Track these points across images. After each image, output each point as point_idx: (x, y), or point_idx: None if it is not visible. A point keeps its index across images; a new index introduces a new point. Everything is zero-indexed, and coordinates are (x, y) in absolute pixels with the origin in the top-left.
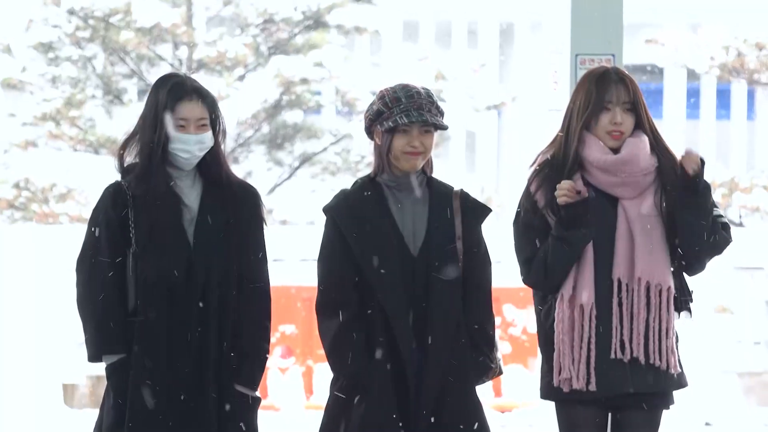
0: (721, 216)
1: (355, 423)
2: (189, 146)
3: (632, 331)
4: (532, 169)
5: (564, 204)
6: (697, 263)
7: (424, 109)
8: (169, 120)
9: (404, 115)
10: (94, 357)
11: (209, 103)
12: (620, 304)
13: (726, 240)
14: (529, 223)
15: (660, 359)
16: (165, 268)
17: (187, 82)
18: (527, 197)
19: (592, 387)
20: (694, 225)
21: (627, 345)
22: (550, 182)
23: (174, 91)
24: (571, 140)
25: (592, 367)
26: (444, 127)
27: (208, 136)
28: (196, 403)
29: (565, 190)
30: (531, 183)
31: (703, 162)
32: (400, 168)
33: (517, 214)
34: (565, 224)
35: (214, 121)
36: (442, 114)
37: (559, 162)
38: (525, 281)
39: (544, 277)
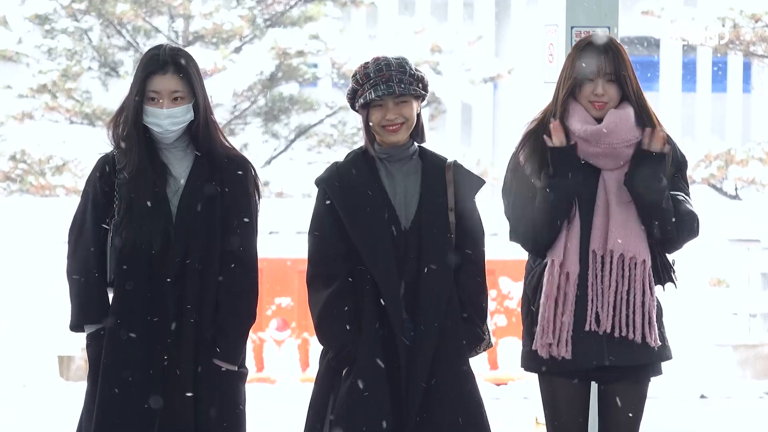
0: (688, 204)
1: (343, 394)
2: (160, 120)
3: (605, 303)
4: (520, 138)
5: (553, 147)
6: (663, 235)
7: (394, 80)
8: (140, 93)
9: (372, 90)
10: (75, 326)
11: (188, 75)
12: (596, 276)
13: (689, 225)
14: (517, 185)
15: (634, 332)
16: (142, 239)
17: (163, 54)
18: (515, 165)
19: (567, 355)
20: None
21: (602, 317)
22: (535, 152)
23: (148, 64)
24: (556, 110)
25: (570, 336)
26: (420, 95)
27: (182, 110)
28: (173, 376)
29: (553, 129)
30: (519, 153)
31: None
32: (385, 141)
33: (504, 177)
34: (553, 170)
35: (197, 94)
36: (419, 80)
37: (546, 131)
38: (512, 237)
39: (531, 230)
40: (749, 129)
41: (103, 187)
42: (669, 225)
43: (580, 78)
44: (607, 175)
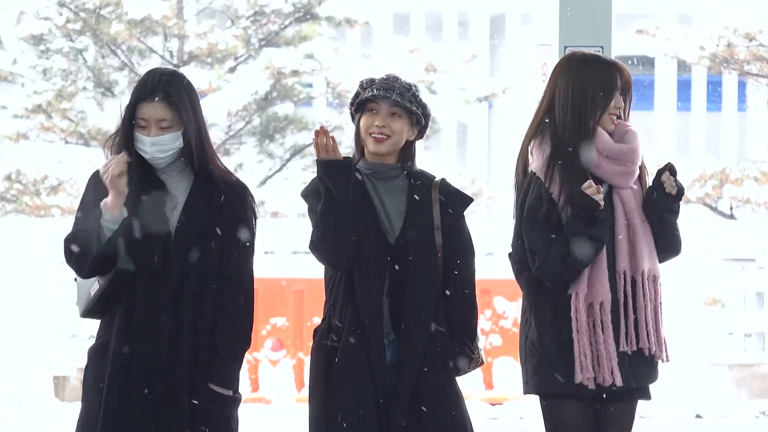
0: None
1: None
2: (146, 147)
3: (637, 323)
4: (540, 162)
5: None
6: (668, 251)
7: (395, 90)
8: (130, 119)
9: (371, 90)
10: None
11: (176, 103)
12: (626, 297)
13: (679, 243)
14: (545, 218)
15: (660, 350)
16: (140, 258)
17: (151, 82)
18: (544, 192)
19: (618, 382)
20: (671, 230)
21: (633, 338)
22: (568, 177)
23: (137, 90)
24: (585, 130)
25: (615, 361)
26: (413, 112)
27: (169, 138)
28: (168, 399)
29: (594, 191)
30: (546, 178)
31: (674, 173)
32: (369, 151)
33: (530, 207)
34: (587, 221)
35: (186, 121)
36: (419, 105)
37: (573, 153)
38: (538, 274)
39: (563, 271)
40: (744, 148)
41: (99, 200)
42: (676, 243)
43: (612, 94)
44: (624, 194)
